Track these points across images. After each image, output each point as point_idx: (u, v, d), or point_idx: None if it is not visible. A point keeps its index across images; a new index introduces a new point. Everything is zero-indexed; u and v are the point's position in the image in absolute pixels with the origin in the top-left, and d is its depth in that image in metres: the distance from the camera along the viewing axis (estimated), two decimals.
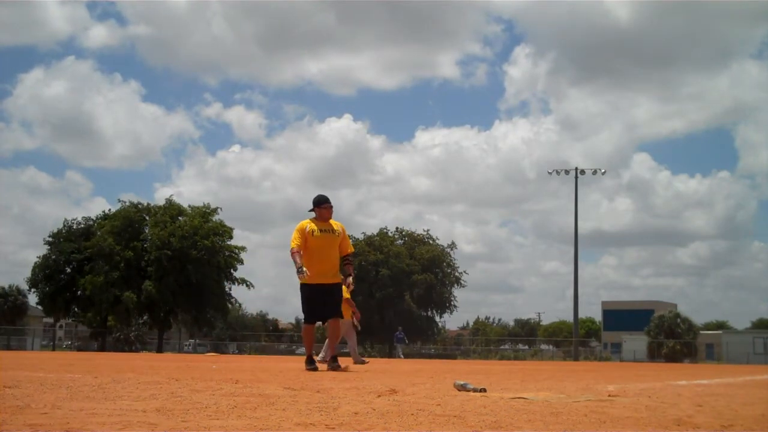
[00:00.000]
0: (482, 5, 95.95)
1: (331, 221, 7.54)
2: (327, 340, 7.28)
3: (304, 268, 7.12)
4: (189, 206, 43.05)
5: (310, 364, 7.28)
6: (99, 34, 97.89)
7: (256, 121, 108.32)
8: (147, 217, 42.66)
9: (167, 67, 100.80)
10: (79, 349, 45.18)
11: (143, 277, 39.92)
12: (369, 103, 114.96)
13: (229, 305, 45.14)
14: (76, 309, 43.38)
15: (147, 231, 41.71)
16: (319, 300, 7.36)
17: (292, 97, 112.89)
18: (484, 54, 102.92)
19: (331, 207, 7.51)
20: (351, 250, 7.72)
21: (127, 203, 43.10)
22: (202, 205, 43.05)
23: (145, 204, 43.52)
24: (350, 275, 7.72)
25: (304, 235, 7.37)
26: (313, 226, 7.43)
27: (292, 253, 7.26)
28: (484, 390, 3.91)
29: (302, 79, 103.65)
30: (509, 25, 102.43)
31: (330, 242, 7.42)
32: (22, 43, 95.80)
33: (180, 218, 41.60)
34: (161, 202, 43.77)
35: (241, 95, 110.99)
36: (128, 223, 41.12)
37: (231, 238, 42.66)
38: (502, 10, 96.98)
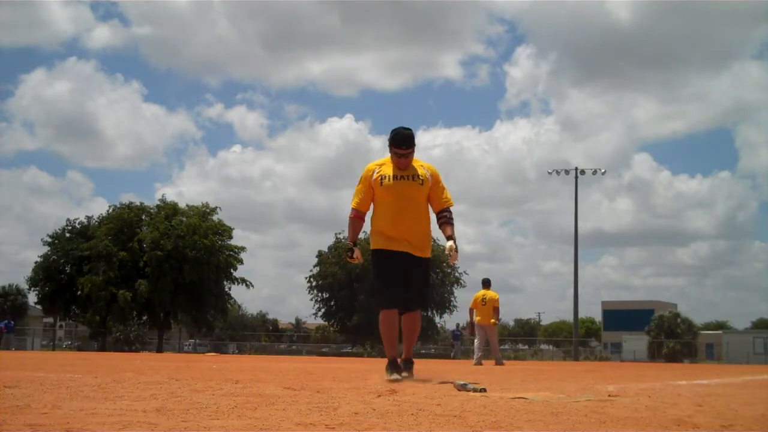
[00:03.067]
0: (485, 6, 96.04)
1: (417, 163, 5.17)
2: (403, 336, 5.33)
3: (355, 250, 5.13)
4: (186, 205, 43.05)
5: (393, 371, 4.89)
6: (102, 35, 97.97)
7: (257, 121, 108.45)
8: (144, 217, 42.66)
9: (170, 67, 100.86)
10: (79, 349, 45.17)
11: (140, 277, 39.92)
12: (371, 104, 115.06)
13: (229, 305, 45.13)
14: (75, 309, 43.38)
15: (144, 231, 41.69)
16: (396, 276, 4.98)
17: (294, 97, 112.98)
18: (487, 54, 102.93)
19: (409, 151, 5.06)
20: (449, 203, 5.24)
21: (119, 204, 43.16)
22: (200, 204, 43.06)
23: (139, 204, 43.50)
24: (451, 238, 5.18)
25: (369, 184, 5.11)
26: (386, 170, 5.10)
27: (349, 220, 5.23)
28: (484, 390, 3.91)
29: (304, 79, 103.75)
30: (511, 25, 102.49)
31: (409, 193, 5.02)
32: (25, 43, 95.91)
33: (177, 218, 41.57)
34: (158, 203, 43.79)
35: (243, 95, 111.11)
36: (124, 224, 41.11)
37: (231, 237, 42.67)
38: (505, 11, 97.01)
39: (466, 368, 10.98)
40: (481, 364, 12.89)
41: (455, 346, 32.76)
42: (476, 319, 13.79)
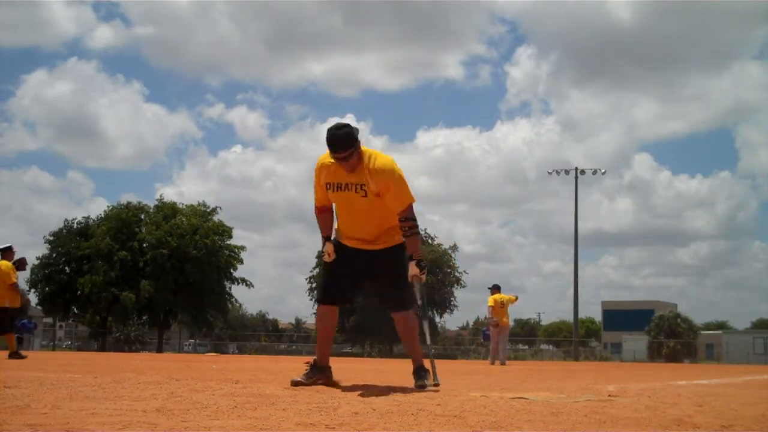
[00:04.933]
0: (486, 6, 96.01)
1: (368, 161, 4.33)
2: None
3: (327, 244, 4.54)
4: (185, 205, 43.04)
5: (306, 375, 4.37)
6: (104, 35, 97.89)
7: (258, 121, 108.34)
8: (143, 217, 42.66)
9: (170, 67, 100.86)
10: (79, 349, 45.17)
11: (141, 277, 39.93)
12: (372, 104, 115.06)
13: (229, 305, 45.12)
14: (75, 309, 43.39)
15: (143, 230, 41.69)
16: (340, 271, 4.50)
17: (294, 97, 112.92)
18: (488, 55, 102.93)
19: (346, 155, 4.20)
20: (403, 206, 4.36)
21: (116, 204, 43.16)
22: (196, 204, 43.06)
23: (137, 203, 43.50)
24: (412, 258, 4.44)
25: (319, 184, 4.52)
26: (331, 174, 4.42)
27: (316, 218, 4.71)
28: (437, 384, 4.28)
29: (305, 79, 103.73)
30: (512, 26, 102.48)
31: (355, 203, 4.41)
32: (26, 43, 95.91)
33: (176, 217, 41.57)
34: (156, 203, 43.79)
35: (244, 95, 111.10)
36: (123, 223, 41.11)
37: (230, 237, 42.67)
38: (506, 11, 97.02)
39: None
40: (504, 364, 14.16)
41: (486, 346, 33.20)
42: (494, 320, 14.88)
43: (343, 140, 4.22)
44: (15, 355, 10.49)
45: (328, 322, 4.56)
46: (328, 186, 4.43)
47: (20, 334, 11.99)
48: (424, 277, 4.45)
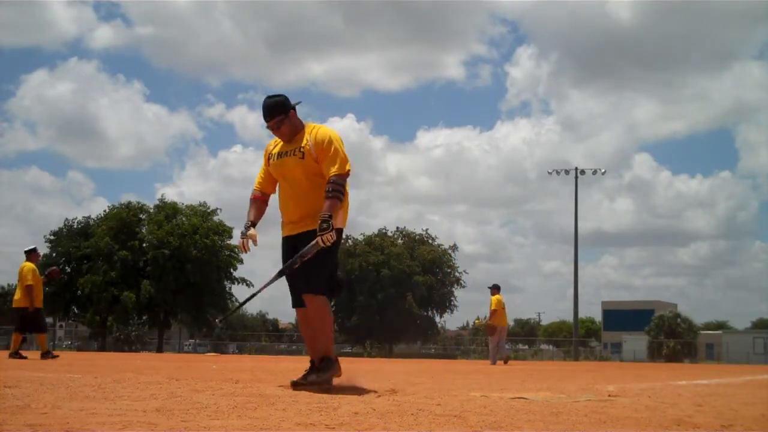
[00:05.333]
0: (487, 6, 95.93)
1: (308, 129, 4.41)
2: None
3: (249, 231, 4.43)
4: (185, 205, 43.07)
5: (318, 371, 4.29)
6: (104, 35, 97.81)
7: (258, 121, 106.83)
8: (143, 217, 42.69)
9: (171, 67, 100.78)
10: (79, 349, 45.16)
11: (142, 277, 39.95)
12: (372, 104, 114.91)
13: (230, 305, 45.14)
14: (75, 309, 43.40)
15: (144, 230, 41.71)
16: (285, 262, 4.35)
17: (295, 97, 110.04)
18: (489, 55, 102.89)
19: (275, 122, 4.36)
20: (335, 172, 4.21)
21: (118, 204, 43.16)
22: (198, 204, 43.09)
23: (137, 203, 43.51)
24: (324, 218, 4.11)
25: (266, 163, 4.56)
26: (277, 146, 4.49)
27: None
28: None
29: (306, 80, 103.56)
30: (513, 26, 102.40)
31: (291, 171, 4.35)
32: (27, 44, 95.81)
33: (177, 217, 41.60)
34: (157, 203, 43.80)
35: (244, 95, 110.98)
36: (123, 223, 41.13)
37: (231, 237, 42.69)
38: (507, 11, 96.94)
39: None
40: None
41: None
42: (493, 321, 15.06)
43: (270, 108, 4.35)
44: (15, 354, 10.56)
45: (304, 323, 4.48)
46: (270, 158, 4.45)
47: (24, 334, 12.16)
48: (322, 239, 4.07)
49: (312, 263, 4.19)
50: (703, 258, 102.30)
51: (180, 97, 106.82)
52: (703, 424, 2.63)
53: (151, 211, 42.62)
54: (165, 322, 43.02)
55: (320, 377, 4.19)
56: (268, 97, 4.43)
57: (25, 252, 11.53)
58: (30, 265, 11.19)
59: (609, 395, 4.02)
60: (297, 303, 4.44)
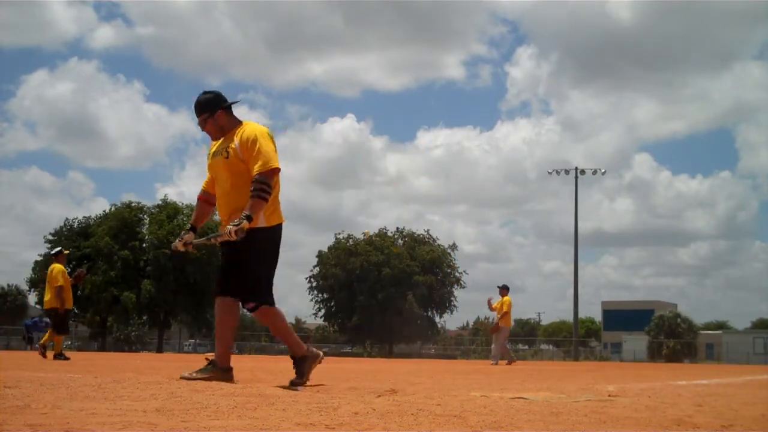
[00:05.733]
0: (487, 6, 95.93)
1: (241, 129, 4.41)
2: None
3: (185, 235, 4.60)
4: (186, 205, 43.09)
5: (201, 371, 4.44)
6: (105, 35, 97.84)
7: (258, 121, 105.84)
8: (143, 217, 42.70)
9: (171, 67, 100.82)
10: (79, 349, 45.16)
11: (142, 277, 39.96)
12: (372, 104, 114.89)
13: None
14: (75, 309, 43.41)
15: (144, 230, 41.72)
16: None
17: (295, 98, 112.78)
18: (489, 55, 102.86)
19: (201, 119, 4.49)
20: (257, 169, 4.20)
21: (120, 204, 43.16)
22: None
23: (138, 203, 43.51)
24: (243, 215, 4.11)
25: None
26: (215, 143, 4.54)
27: None
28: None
29: (306, 80, 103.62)
30: (513, 26, 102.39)
31: (220, 170, 4.42)
32: (28, 44, 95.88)
33: (178, 217, 41.63)
34: (159, 203, 43.82)
35: (245, 95, 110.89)
36: (124, 223, 41.14)
37: None
38: (507, 11, 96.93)
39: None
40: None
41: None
42: (505, 322, 15.35)
43: (196, 106, 4.49)
44: (60, 356, 10.71)
45: (218, 315, 4.56)
46: (207, 157, 4.53)
47: (30, 333, 12.33)
48: (230, 230, 4.07)
49: (249, 275, 4.27)
50: (703, 258, 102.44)
51: (180, 97, 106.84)
52: (703, 424, 2.63)
53: (153, 211, 42.65)
54: (165, 322, 43.02)
55: (300, 380, 4.36)
56: (202, 93, 4.53)
57: (52, 255, 12.07)
58: (59, 266, 11.44)
59: (609, 395, 4.02)
60: (217, 292, 4.49)
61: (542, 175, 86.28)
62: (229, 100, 4.54)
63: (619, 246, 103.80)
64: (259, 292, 4.31)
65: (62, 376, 4.75)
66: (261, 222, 4.23)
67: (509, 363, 14.63)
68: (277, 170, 4.26)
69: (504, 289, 15.31)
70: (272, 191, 4.23)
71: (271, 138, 4.37)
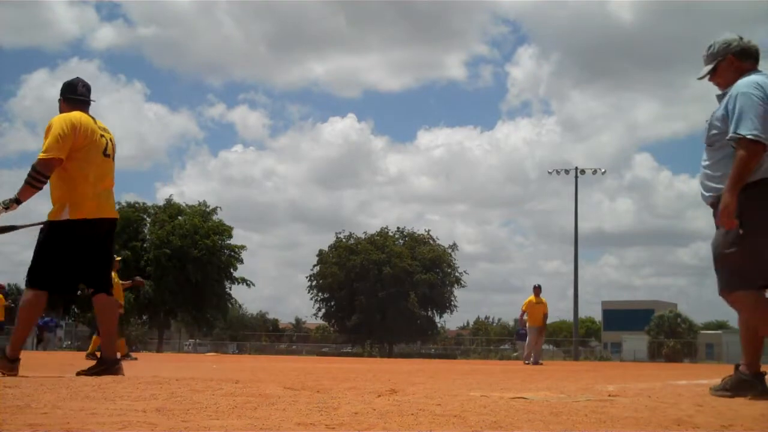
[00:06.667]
0: (489, 6, 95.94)
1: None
2: None
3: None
4: (187, 205, 43.11)
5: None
6: (106, 35, 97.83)
7: (259, 121, 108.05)
8: (145, 217, 42.70)
9: (172, 67, 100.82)
10: (79, 349, 45.16)
11: (142, 277, 39.99)
12: (373, 104, 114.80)
13: (230, 305, 45.14)
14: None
15: (145, 231, 41.74)
16: None
17: (296, 97, 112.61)
18: (491, 55, 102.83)
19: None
20: (39, 155, 4.43)
21: (123, 204, 43.16)
22: (198, 204, 43.09)
23: (142, 204, 43.53)
24: (11, 198, 4.46)
25: None
26: None
27: None
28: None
29: (307, 80, 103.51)
30: (514, 26, 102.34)
31: None
32: (28, 44, 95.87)
33: (179, 218, 41.64)
34: (161, 203, 43.88)
35: (245, 95, 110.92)
36: (126, 223, 41.14)
37: (230, 237, 42.69)
38: (508, 11, 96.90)
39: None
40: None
41: (520, 345, 33.28)
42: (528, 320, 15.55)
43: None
44: (127, 356, 10.75)
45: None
46: None
47: (41, 333, 12.43)
48: None
49: (33, 258, 4.50)
50: (703, 258, 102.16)
51: (181, 97, 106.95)
52: (703, 424, 2.63)
53: (155, 211, 42.66)
54: (165, 322, 43.03)
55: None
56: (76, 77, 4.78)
57: None
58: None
59: (609, 395, 4.02)
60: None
61: (543, 175, 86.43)
62: (90, 98, 4.83)
63: (619, 246, 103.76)
64: (31, 275, 4.48)
65: (62, 376, 4.75)
66: (64, 215, 4.36)
67: (536, 363, 14.69)
68: (50, 161, 4.30)
69: (539, 289, 15.37)
70: (45, 180, 4.33)
71: (75, 127, 4.44)
